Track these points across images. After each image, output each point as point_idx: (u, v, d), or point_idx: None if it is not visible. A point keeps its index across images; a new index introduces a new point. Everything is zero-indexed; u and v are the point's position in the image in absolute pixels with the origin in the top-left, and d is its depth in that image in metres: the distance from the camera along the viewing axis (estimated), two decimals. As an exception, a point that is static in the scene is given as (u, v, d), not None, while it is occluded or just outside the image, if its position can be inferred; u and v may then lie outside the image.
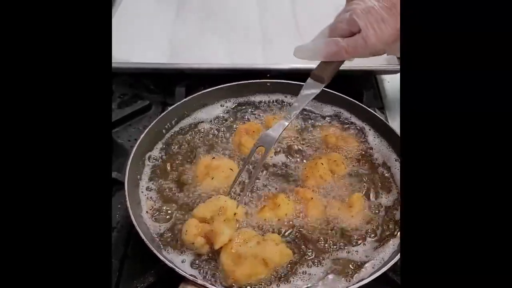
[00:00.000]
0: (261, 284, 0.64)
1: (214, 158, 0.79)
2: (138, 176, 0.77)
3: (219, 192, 0.74)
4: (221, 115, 0.91)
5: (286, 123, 0.71)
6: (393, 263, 0.63)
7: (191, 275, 0.62)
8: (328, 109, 0.93)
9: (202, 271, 0.65)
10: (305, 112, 0.93)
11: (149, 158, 0.81)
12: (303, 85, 0.93)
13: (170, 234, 0.69)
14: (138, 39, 1.09)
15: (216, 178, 0.75)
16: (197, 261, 0.66)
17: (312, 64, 1.02)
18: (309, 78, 0.71)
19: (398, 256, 0.64)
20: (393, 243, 0.69)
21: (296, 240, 0.69)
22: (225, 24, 1.17)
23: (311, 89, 0.70)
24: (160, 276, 0.67)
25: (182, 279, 0.61)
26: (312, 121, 0.91)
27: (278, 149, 0.84)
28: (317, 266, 0.66)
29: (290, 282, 0.64)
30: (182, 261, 0.66)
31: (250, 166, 0.79)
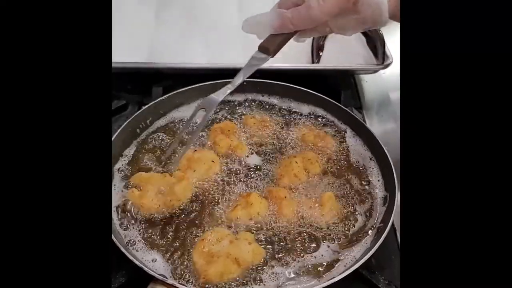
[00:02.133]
0: (232, 284, 0.63)
1: (195, 150, 0.79)
2: (111, 176, 0.76)
3: (202, 185, 0.76)
4: (197, 114, 0.90)
5: (230, 88, 0.71)
6: (365, 260, 0.63)
7: (160, 274, 0.61)
8: (306, 108, 0.93)
9: (172, 270, 0.64)
10: (282, 111, 0.93)
11: (123, 156, 0.80)
12: (281, 84, 0.94)
13: (140, 235, 0.68)
14: (117, 39, 1.07)
15: (198, 171, 0.75)
16: (168, 260, 0.65)
17: (290, 64, 1.03)
18: (256, 51, 0.70)
19: (370, 254, 0.64)
20: (366, 242, 0.69)
21: (269, 239, 0.69)
22: (205, 25, 1.17)
23: (257, 60, 0.70)
24: (131, 276, 0.65)
25: (151, 278, 0.60)
26: (290, 119, 0.91)
27: (254, 148, 0.83)
28: (289, 265, 0.66)
29: (261, 281, 0.64)
30: (153, 260, 0.65)
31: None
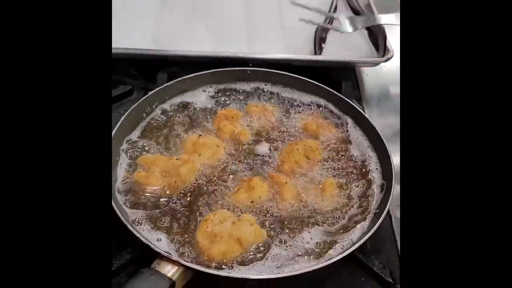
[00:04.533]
0: (234, 263, 0.65)
1: (200, 136, 0.81)
2: (117, 158, 0.78)
3: (207, 169, 0.78)
4: (202, 100, 0.92)
5: None
6: (362, 243, 0.66)
7: (165, 251, 0.63)
8: (308, 98, 0.95)
9: (177, 249, 0.67)
10: (285, 100, 0.95)
11: (128, 140, 0.82)
12: (284, 74, 0.96)
13: (146, 215, 0.71)
14: (123, 25, 1.08)
15: (203, 155, 0.77)
16: (172, 240, 0.68)
17: (293, 55, 1.04)
18: None
19: (366, 237, 0.66)
20: (363, 226, 0.72)
21: (269, 221, 0.71)
22: (211, 13, 1.18)
23: None
24: (136, 254, 0.68)
25: (157, 255, 0.63)
26: (292, 108, 0.93)
27: (257, 135, 0.86)
28: (288, 246, 0.68)
29: (261, 262, 0.66)
30: (158, 240, 0.68)
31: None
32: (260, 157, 0.82)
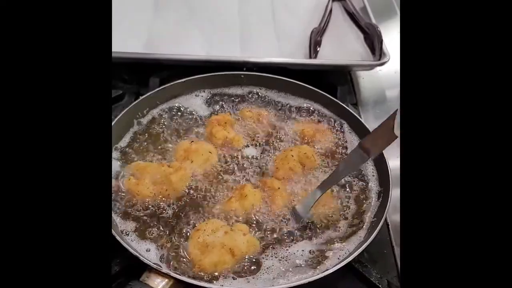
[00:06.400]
0: (226, 275, 0.63)
1: (192, 142, 0.80)
2: (106, 165, 0.76)
3: (199, 176, 0.76)
4: (194, 105, 0.90)
5: (319, 194, 0.69)
6: (358, 254, 0.64)
7: (155, 263, 0.61)
8: (303, 102, 0.93)
9: (166, 260, 0.64)
10: (279, 104, 0.93)
11: (118, 147, 0.80)
12: (278, 78, 0.94)
13: (135, 224, 0.69)
14: (115, 29, 1.06)
15: (195, 162, 0.76)
16: (162, 250, 0.66)
17: (287, 59, 1.03)
18: (356, 147, 0.67)
19: (363, 247, 0.64)
20: (359, 235, 0.70)
21: (263, 230, 0.69)
22: (204, 17, 1.16)
23: (356, 160, 0.66)
24: (125, 265, 0.65)
25: (146, 267, 0.61)
26: (286, 113, 0.91)
27: (251, 140, 0.84)
28: (283, 257, 0.66)
29: (256, 272, 0.64)
30: (147, 250, 0.66)
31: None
32: (254, 164, 0.80)
